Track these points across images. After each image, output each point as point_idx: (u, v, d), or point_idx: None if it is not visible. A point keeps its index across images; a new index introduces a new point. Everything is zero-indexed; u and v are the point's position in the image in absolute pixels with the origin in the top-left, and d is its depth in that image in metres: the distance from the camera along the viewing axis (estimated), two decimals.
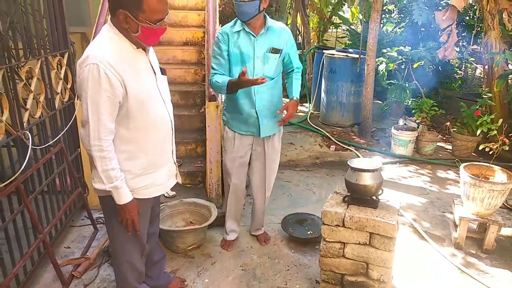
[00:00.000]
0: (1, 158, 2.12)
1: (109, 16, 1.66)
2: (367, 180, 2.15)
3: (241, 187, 2.78)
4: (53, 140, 2.69)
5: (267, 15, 2.42)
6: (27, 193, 2.31)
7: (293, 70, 2.58)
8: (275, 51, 2.41)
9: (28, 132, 2.26)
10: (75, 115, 3.02)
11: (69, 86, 3.01)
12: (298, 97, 2.52)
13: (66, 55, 2.97)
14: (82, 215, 3.21)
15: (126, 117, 1.66)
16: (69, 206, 2.91)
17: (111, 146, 1.64)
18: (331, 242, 2.23)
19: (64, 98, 2.94)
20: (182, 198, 3.32)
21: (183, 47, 4.70)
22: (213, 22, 3.79)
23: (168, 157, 1.92)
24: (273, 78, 2.48)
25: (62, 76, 2.89)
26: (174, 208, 3.01)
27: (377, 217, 2.10)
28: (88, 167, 3.20)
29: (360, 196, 2.22)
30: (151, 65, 1.76)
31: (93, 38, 3.43)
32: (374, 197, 2.23)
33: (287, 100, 2.49)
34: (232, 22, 2.43)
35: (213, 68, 2.45)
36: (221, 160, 2.90)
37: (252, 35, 2.37)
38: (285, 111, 2.46)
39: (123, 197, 1.70)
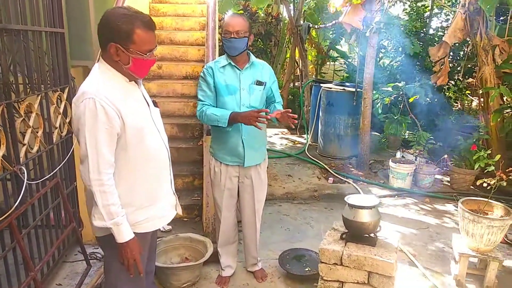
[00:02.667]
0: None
1: (100, 53, 1.70)
2: (364, 217, 2.13)
3: (232, 220, 2.79)
4: (49, 175, 2.68)
5: (250, 52, 2.57)
6: (19, 228, 2.28)
7: (274, 102, 2.66)
8: (260, 83, 2.53)
9: (23, 168, 2.26)
10: (73, 149, 3.02)
11: (68, 120, 3.03)
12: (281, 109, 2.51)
13: (66, 90, 3.01)
14: (75, 250, 3.15)
15: (124, 148, 1.66)
16: (62, 241, 2.87)
17: (112, 180, 1.63)
18: (329, 281, 2.19)
19: (62, 132, 2.95)
20: (178, 232, 3.28)
21: (183, 81, 4.78)
22: (213, 57, 3.87)
23: (167, 188, 1.91)
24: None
25: (61, 110, 2.91)
26: (169, 243, 2.96)
27: (375, 255, 2.07)
28: (83, 201, 3.18)
29: (358, 234, 2.19)
30: (144, 97, 1.80)
31: None
32: (372, 235, 2.21)
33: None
34: (217, 58, 2.59)
35: (200, 100, 2.54)
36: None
37: (238, 68, 2.50)
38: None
39: (124, 235, 1.67)
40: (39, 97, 2.59)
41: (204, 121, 2.57)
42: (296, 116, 2.32)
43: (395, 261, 2.06)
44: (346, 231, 2.28)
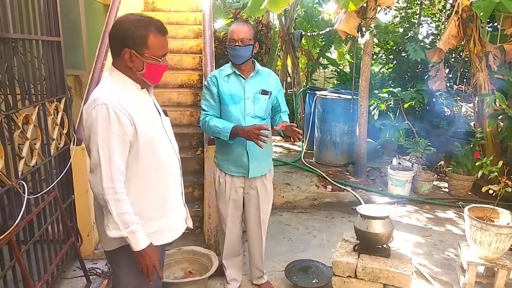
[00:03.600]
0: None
1: (106, 61, 1.66)
2: (378, 228, 2.09)
3: (237, 232, 2.71)
4: (48, 188, 2.57)
5: (255, 61, 2.52)
6: (18, 243, 2.17)
7: (280, 111, 2.62)
8: (265, 92, 2.48)
9: (23, 182, 2.15)
10: (71, 162, 2.92)
11: (65, 131, 2.93)
12: (288, 121, 2.50)
13: (63, 100, 2.91)
14: (74, 265, 3.03)
15: (135, 157, 1.61)
16: (61, 257, 2.75)
17: (124, 188, 1.57)
18: None
19: (59, 144, 2.85)
20: (179, 245, 3.18)
21: (178, 89, 4.71)
22: (211, 65, 3.82)
23: (179, 199, 1.85)
24: (264, 119, 2.52)
25: (58, 121, 2.81)
26: (172, 257, 2.87)
27: (390, 267, 2.03)
28: (82, 216, 3.08)
29: (371, 245, 2.15)
30: (155, 105, 1.77)
31: (90, 82, 3.43)
32: (386, 245, 2.16)
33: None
34: (222, 67, 2.51)
35: (203, 110, 2.49)
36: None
37: (242, 77, 2.44)
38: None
39: (141, 242, 1.60)
40: (37, 108, 2.50)
41: (206, 132, 2.52)
42: (301, 132, 2.31)
43: (412, 272, 2.02)
44: (358, 242, 2.22)
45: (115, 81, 1.62)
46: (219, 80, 2.44)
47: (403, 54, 6.00)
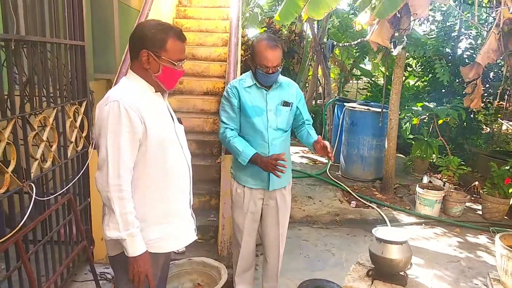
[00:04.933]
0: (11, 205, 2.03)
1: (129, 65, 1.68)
2: (394, 253, 1.93)
3: (252, 246, 2.61)
4: (62, 191, 2.58)
5: None
6: (27, 245, 2.18)
7: (303, 123, 2.51)
8: (286, 104, 2.40)
9: (32, 184, 2.16)
10: (88, 164, 2.94)
11: (84, 134, 2.96)
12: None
13: (84, 104, 2.94)
14: (85, 269, 3.04)
15: (144, 157, 1.59)
16: (72, 259, 2.76)
17: (130, 187, 1.55)
18: None
19: (78, 147, 2.87)
20: (191, 254, 3.14)
21: (203, 96, 4.70)
22: (234, 73, 3.77)
23: (186, 208, 1.79)
24: (285, 131, 2.44)
25: (78, 124, 2.84)
26: (181, 267, 2.81)
27: None
28: (97, 219, 3.08)
29: (386, 271, 1.99)
30: (169, 110, 1.76)
31: (114, 86, 3.46)
32: (402, 272, 2.00)
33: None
34: (242, 76, 2.43)
35: (223, 122, 2.41)
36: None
37: (264, 89, 2.36)
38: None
39: (137, 248, 1.56)
40: (55, 111, 2.52)
41: (225, 146, 2.46)
42: (332, 155, 2.23)
43: None
44: (373, 266, 2.07)
45: (130, 83, 1.65)
46: (240, 91, 2.36)
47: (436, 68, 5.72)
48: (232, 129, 2.38)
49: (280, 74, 2.39)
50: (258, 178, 2.42)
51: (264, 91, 2.36)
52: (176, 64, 1.63)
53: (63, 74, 2.67)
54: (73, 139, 2.78)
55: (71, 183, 2.73)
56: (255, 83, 2.35)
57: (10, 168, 2.01)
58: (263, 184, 2.43)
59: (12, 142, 2.05)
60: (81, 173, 2.87)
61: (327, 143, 2.24)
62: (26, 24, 2.22)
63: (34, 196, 2.14)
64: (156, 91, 1.68)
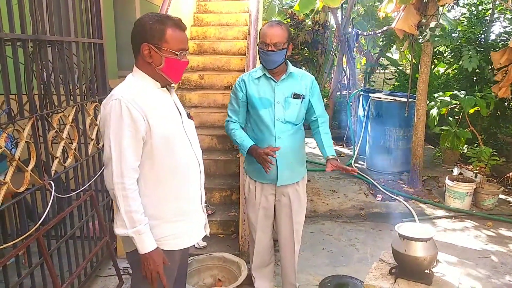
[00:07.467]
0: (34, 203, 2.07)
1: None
2: (418, 251, 1.84)
3: (268, 242, 2.58)
4: (83, 188, 2.63)
5: (289, 62, 2.35)
6: (48, 239, 2.24)
7: (316, 120, 2.42)
8: (297, 96, 2.32)
9: (52, 182, 2.20)
10: None
11: None
12: (335, 154, 2.34)
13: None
14: (109, 264, 3.09)
15: (150, 156, 1.58)
16: (95, 254, 2.81)
17: (135, 185, 1.55)
18: None
19: (99, 144, 2.91)
20: (213, 249, 3.14)
21: (224, 91, 4.67)
22: (253, 67, 3.71)
23: (197, 204, 1.78)
24: (296, 124, 2.36)
25: (98, 122, 2.87)
26: (202, 263, 2.81)
27: None
28: None
29: (410, 269, 1.91)
30: (176, 105, 1.73)
31: None
32: (428, 270, 1.91)
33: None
34: (255, 68, 2.40)
35: (228, 114, 2.43)
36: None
37: (273, 80, 2.30)
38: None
39: (147, 245, 1.56)
40: (74, 108, 2.56)
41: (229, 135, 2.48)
42: (356, 171, 2.24)
43: None
44: (396, 264, 1.99)
45: (135, 80, 1.63)
46: (248, 83, 2.33)
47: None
48: (234, 122, 2.39)
49: (291, 64, 2.35)
50: (266, 174, 2.35)
51: (272, 83, 2.30)
52: (178, 54, 1.60)
53: (82, 72, 2.70)
54: (93, 137, 2.82)
55: (92, 180, 2.77)
56: (265, 73, 2.30)
57: (30, 167, 2.05)
58: (272, 179, 2.38)
59: (32, 141, 2.09)
60: (101, 171, 2.91)
61: (340, 164, 2.24)
62: (43, 24, 2.24)
63: (53, 193, 2.17)
64: (162, 86, 1.67)
